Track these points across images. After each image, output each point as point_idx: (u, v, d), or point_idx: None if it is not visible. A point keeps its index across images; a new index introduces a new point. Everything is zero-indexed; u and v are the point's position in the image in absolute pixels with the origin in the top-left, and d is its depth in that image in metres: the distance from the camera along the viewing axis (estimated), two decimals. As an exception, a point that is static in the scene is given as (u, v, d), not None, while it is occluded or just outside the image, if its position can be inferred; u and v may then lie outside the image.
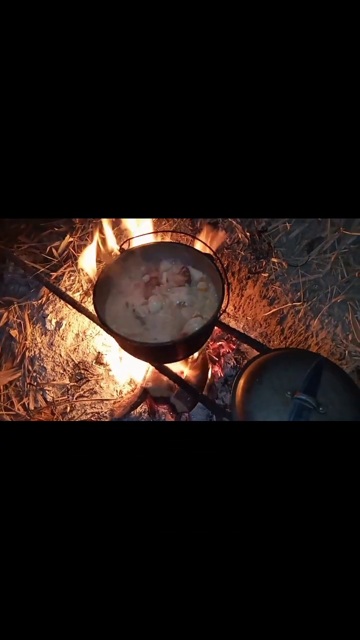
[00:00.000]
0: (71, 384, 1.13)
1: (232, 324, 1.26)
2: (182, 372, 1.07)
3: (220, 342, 1.20)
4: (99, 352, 1.20)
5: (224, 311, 0.82)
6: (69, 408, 1.09)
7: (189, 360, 1.07)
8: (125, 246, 0.94)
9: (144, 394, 1.07)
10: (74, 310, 1.11)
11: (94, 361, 1.19)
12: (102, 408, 1.10)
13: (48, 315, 1.20)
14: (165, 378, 0.99)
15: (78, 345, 1.20)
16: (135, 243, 0.98)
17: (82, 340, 1.22)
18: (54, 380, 1.13)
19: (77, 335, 1.22)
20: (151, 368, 1.06)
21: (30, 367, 1.13)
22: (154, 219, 1.16)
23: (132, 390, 1.12)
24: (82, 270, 1.20)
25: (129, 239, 0.95)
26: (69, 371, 1.15)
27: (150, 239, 1.00)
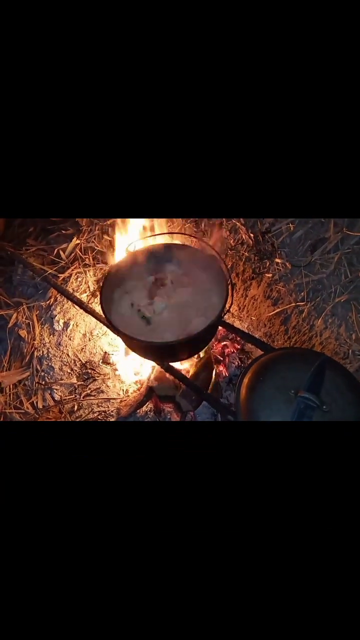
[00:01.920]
0: (78, 383, 1.15)
1: (237, 324, 1.27)
2: (188, 372, 1.08)
3: (224, 342, 1.21)
4: (105, 352, 1.22)
5: (228, 311, 0.84)
6: (76, 407, 1.11)
7: (194, 359, 1.08)
8: (131, 248, 0.96)
9: (150, 392, 1.08)
10: (81, 310, 1.14)
11: (101, 361, 1.21)
12: (108, 407, 1.12)
13: (56, 315, 1.22)
14: (170, 377, 1.00)
15: (85, 345, 1.22)
16: (140, 245, 0.99)
17: (89, 340, 1.24)
18: (61, 379, 1.15)
19: (84, 335, 1.24)
20: (157, 367, 1.07)
21: (38, 367, 1.15)
22: (159, 222, 1.18)
23: (138, 389, 1.13)
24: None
25: (135, 241, 0.97)
26: (76, 370, 1.18)
27: (156, 241, 1.02)
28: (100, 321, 1.04)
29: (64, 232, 1.31)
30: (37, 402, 1.11)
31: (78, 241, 1.28)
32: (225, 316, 0.86)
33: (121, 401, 1.12)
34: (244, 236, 1.19)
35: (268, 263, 1.17)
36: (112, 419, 1.09)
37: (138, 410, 1.09)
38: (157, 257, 0.99)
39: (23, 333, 1.17)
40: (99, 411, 1.11)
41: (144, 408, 1.10)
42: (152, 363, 1.07)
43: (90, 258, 1.30)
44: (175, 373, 0.93)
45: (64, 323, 1.22)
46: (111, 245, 1.29)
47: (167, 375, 1.01)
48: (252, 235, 1.17)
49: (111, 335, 1.24)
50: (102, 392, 1.15)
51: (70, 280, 1.27)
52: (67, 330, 1.22)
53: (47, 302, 1.23)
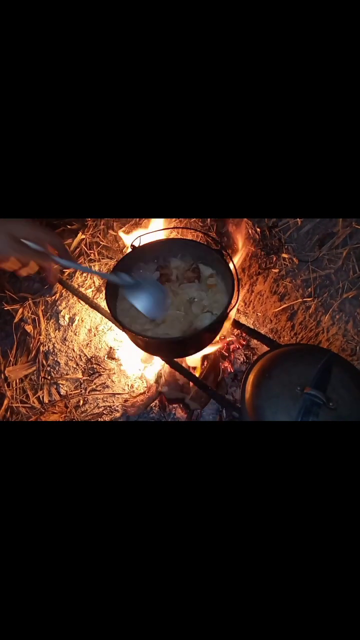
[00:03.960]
0: (84, 378, 1.16)
1: (243, 320, 1.26)
2: (194, 368, 1.08)
3: (230, 338, 1.20)
4: (110, 347, 1.23)
5: (234, 307, 0.83)
6: (81, 401, 1.12)
7: (200, 355, 1.08)
8: (136, 243, 0.96)
9: (159, 395, 1.08)
10: (87, 306, 1.14)
11: (106, 356, 1.21)
12: (114, 402, 1.12)
13: (61, 311, 1.23)
14: (178, 378, 1.00)
15: (90, 341, 1.23)
16: (145, 240, 0.99)
17: (95, 335, 1.24)
18: (67, 374, 1.16)
19: (90, 330, 1.25)
20: (165, 370, 1.07)
21: (44, 362, 1.16)
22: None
23: (147, 391, 1.13)
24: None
25: (140, 236, 0.97)
26: (81, 366, 1.18)
27: (161, 236, 1.01)
28: (106, 317, 1.04)
29: (69, 227, 1.30)
30: (43, 397, 1.12)
31: (83, 236, 1.28)
32: (231, 311, 0.85)
33: (126, 401, 1.12)
34: (250, 231, 1.17)
35: (275, 258, 1.16)
36: (117, 414, 1.10)
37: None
38: (162, 252, 0.99)
39: (29, 328, 1.18)
40: (104, 406, 1.12)
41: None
42: (160, 361, 1.07)
43: (96, 253, 1.30)
44: (181, 369, 0.93)
45: (70, 318, 1.23)
46: (116, 240, 1.29)
47: (176, 376, 1.01)
48: (258, 230, 1.15)
49: (116, 330, 1.24)
50: (108, 387, 1.15)
51: (76, 276, 1.27)
52: (72, 325, 1.22)
53: (53, 298, 1.23)
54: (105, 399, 1.13)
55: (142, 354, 1.15)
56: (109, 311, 0.84)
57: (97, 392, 1.14)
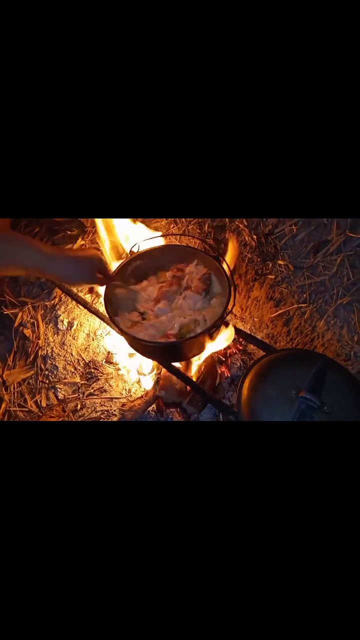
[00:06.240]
0: (82, 382, 1.16)
1: (239, 325, 1.27)
2: (191, 372, 1.09)
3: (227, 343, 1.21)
4: (108, 352, 1.23)
5: (230, 311, 0.84)
6: (79, 406, 1.12)
7: (197, 359, 1.09)
8: (134, 249, 0.97)
9: (156, 399, 1.09)
10: (85, 310, 1.15)
11: (104, 360, 1.22)
12: (111, 406, 1.13)
13: (60, 315, 1.24)
14: (176, 383, 1.01)
15: (89, 345, 1.24)
16: (143, 247, 1.00)
17: (93, 340, 1.25)
18: (65, 378, 1.16)
19: (88, 335, 1.25)
20: (163, 374, 1.08)
21: (42, 366, 1.17)
22: (162, 223, 1.19)
23: (144, 395, 1.14)
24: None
25: (137, 243, 0.98)
26: (79, 370, 1.19)
27: (158, 243, 1.03)
28: (104, 321, 1.05)
29: (69, 232, 1.32)
30: (40, 401, 1.12)
31: (83, 242, 1.30)
32: (228, 317, 0.86)
33: (123, 405, 1.13)
34: (247, 238, 1.19)
35: (271, 265, 1.18)
36: (115, 418, 1.10)
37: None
38: (160, 259, 1.00)
39: (28, 332, 1.19)
40: (101, 410, 1.12)
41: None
42: (157, 365, 1.08)
43: (95, 259, 1.31)
44: (179, 374, 0.94)
45: (68, 323, 1.24)
46: (115, 246, 1.30)
47: (173, 380, 1.02)
48: (255, 237, 1.17)
49: (115, 335, 1.25)
50: (105, 391, 1.16)
51: (75, 281, 1.28)
52: (71, 329, 1.23)
53: (52, 302, 1.24)
54: (102, 403, 1.13)
55: (138, 362, 1.16)
56: (107, 316, 0.85)
57: (95, 397, 1.14)
